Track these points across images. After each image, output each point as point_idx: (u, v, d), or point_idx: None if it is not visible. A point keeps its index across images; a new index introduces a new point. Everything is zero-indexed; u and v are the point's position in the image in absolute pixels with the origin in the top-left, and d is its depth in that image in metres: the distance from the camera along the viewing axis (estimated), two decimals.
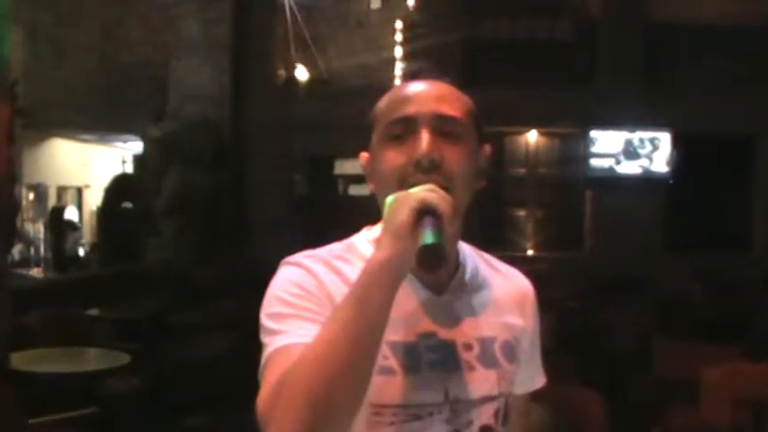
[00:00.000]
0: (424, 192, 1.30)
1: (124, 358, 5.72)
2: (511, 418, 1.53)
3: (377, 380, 1.32)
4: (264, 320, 1.39)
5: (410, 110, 1.43)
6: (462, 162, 1.42)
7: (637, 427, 5.17)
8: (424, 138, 1.40)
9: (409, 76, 1.51)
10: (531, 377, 1.63)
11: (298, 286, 1.40)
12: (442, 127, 1.42)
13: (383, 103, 1.50)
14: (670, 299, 8.74)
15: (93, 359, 6.04)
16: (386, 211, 1.32)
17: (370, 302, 1.25)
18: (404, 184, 1.37)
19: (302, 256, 1.47)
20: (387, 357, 1.38)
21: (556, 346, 5.99)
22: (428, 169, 1.37)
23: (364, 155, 1.52)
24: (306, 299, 1.37)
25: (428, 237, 1.24)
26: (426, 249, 1.24)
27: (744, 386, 4.62)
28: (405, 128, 1.43)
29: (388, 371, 1.38)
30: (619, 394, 5.18)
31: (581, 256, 14.57)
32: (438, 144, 1.40)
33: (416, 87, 1.47)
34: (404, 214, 1.26)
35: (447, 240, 1.29)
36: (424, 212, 1.27)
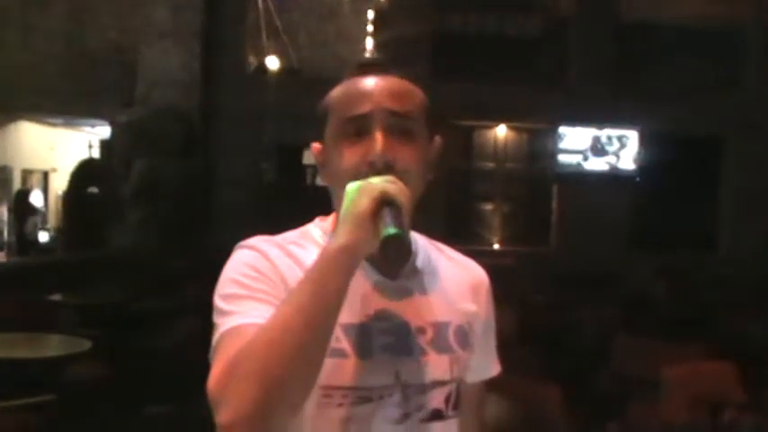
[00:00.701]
0: (384, 183, 1.32)
1: (86, 344, 5.68)
2: (463, 404, 1.55)
3: (328, 362, 1.33)
4: (218, 301, 1.40)
5: (364, 108, 1.45)
6: (415, 160, 1.44)
7: (595, 423, 5.21)
8: (378, 138, 1.42)
9: (360, 69, 1.51)
10: (486, 365, 1.65)
11: (252, 268, 1.41)
12: (396, 125, 1.44)
13: (336, 96, 1.50)
14: (634, 296, 8.81)
15: (54, 345, 5.99)
16: (346, 198, 1.33)
17: (326, 286, 1.27)
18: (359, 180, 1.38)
19: (257, 240, 1.48)
20: (339, 339, 1.39)
21: (519, 339, 6.03)
22: (382, 170, 1.39)
23: (317, 146, 1.53)
24: (260, 280, 1.39)
25: (391, 229, 1.27)
26: (389, 240, 1.27)
27: (703, 385, 4.67)
28: (359, 127, 1.44)
29: (339, 353, 1.39)
30: (579, 389, 5.21)
31: (547, 251, 14.64)
32: (392, 143, 1.42)
33: (369, 83, 1.48)
34: (364, 204, 1.29)
35: (406, 232, 1.31)
36: (384, 203, 1.30)
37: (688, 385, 4.69)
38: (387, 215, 1.29)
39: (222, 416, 1.22)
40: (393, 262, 1.32)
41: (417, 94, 1.51)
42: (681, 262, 11.71)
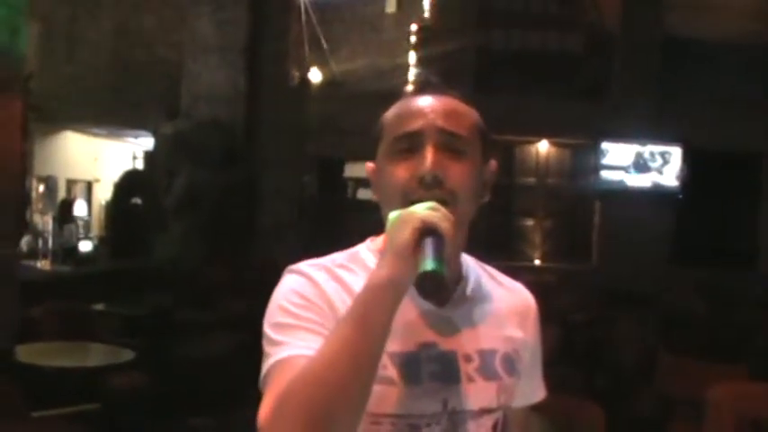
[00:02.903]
0: (426, 211, 1.30)
1: (128, 354, 5.72)
2: (509, 429, 1.54)
3: (375, 389, 1.32)
4: (267, 329, 1.40)
5: (416, 125, 1.44)
6: (466, 178, 1.43)
7: None
8: (429, 154, 1.41)
9: (416, 88, 1.53)
10: (532, 390, 1.64)
11: (300, 296, 1.41)
12: (448, 143, 1.43)
13: (390, 115, 1.50)
14: (675, 314, 8.71)
15: (97, 354, 6.04)
16: (388, 228, 1.32)
17: (371, 321, 1.26)
18: (407, 199, 1.38)
19: (305, 265, 1.47)
20: (386, 367, 1.38)
21: (561, 358, 5.98)
22: (431, 185, 1.38)
23: (370, 165, 1.53)
24: (308, 309, 1.38)
25: (429, 263, 1.24)
26: (426, 276, 1.24)
27: (747, 406, 4.60)
28: (410, 143, 1.44)
29: (387, 380, 1.38)
30: (621, 408, 5.16)
31: (588, 267, 14.55)
32: (442, 160, 1.41)
33: (423, 102, 1.48)
34: (406, 234, 1.27)
35: (448, 262, 1.30)
36: (426, 232, 1.27)
37: (732, 406, 4.62)
38: (427, 246, 1.26)
39: None
40: (429, 296, 1.29)
41: (472, 115, 1.51)
42: (723, 279, 11.59)
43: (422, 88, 1.52)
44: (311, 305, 1.38)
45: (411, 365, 1.41)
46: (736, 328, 7.49)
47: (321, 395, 1.22)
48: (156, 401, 5.47)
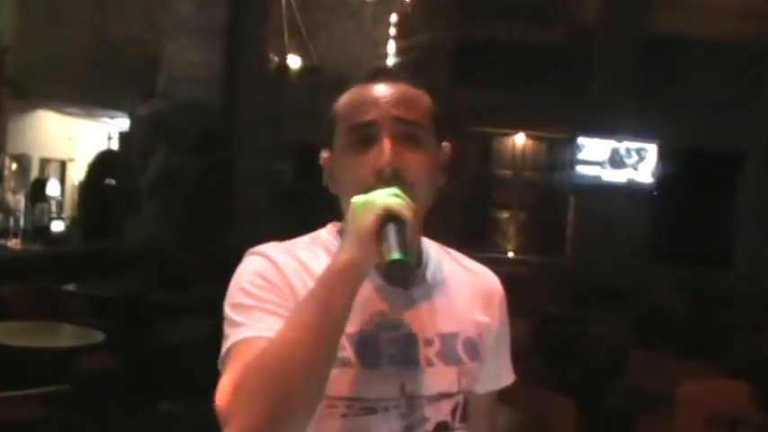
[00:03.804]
0: (389, 198, 1.31)
1: (98, 336, 5.68)
2: (472, 415, 1.53)
3: (333, 371, 1.33)
4: (227, 311, 1.40)
5: (370, 115, 1.43)
6: (424, 167, 1.43)
7: None
8: (386, 146, 1.40)
9: (367, 77, 1.50)
10: (497, 374, 1.63)
11: (261, 277, 1.41)
12: (404, 132, 1.43)
13: (342, 104, 1.49)
14: (650, 310, 8.76)
15: (66, 335, 5.99)
16: (351, 213, 1.32)
17: (332, 303, 1.26)
18: (367, 192, 1.36)
19: (267, 247, 1.48)
20: (344, 348, 1.38)
21: (532, 350, 6.00)
22: (390, 179, 1.38)
23: (325, 155, 1.52)
24: (269, 290, 1.38)
25: (395, 253, 1.25)
26: (393, 265, 1.25)
27: (718, 404, 4.63)
28: (365, 134, 1.43)
29: (344, 362, 1.38)
30: (593, 402, 5.18)
31: (562, 261, 14.62)
32: (400, 151, 1.41)
33: (375, 90, 1.47)
34: (368, 220, 1.28)
35: (412, 249, 1.30)
36: (389, 219, 1.28)
37: (703, 403, 4.65)
38: (390, 234, 1.27)
39: (229, 431, 1.22)
40: (396, 284, 1.30)
41: (425, 100, 1.50)
42: (697, 277, 11.66)
43: (373, 76, 1.49)
44: (272, 287, 1.38)
45: (369, 347, 1.41)
46: (711, 326, 7.54)
47: (281, 376, 1.22)
48: (126, 384, 5.44)
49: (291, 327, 1.26)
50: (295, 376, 1.22)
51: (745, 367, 5.36)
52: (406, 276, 1.27)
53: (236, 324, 1.36)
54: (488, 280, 1.62)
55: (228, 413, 1.23)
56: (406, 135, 1.42)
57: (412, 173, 1.40)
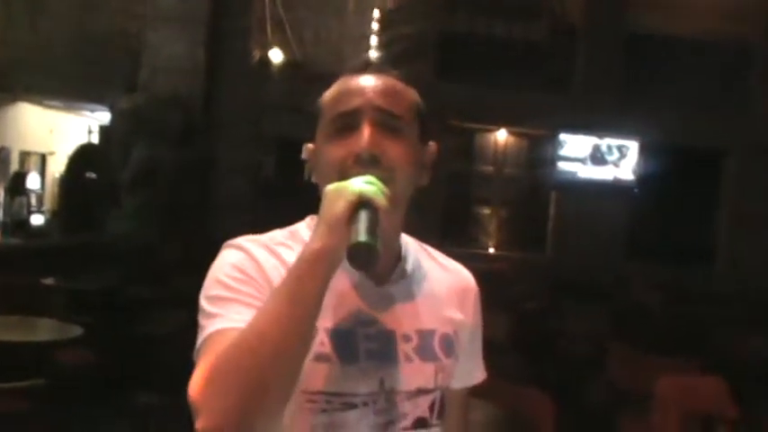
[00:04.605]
0: (361, 184, 1.31)
1: (77, 330, 5.65)
2: (447, 412, 1.54)
3: (311, 366, 1.34)
4: (203, 302, 1.39)
5: (353, 104, 1.44)
6: (403, 156, 1.43)
7: None
8: (365, 132, 1.41)
9: (355, 69, 1.51)
10: (470, 372, 1.64)
11: (238, 269, 1.40)
12: (385, 121, 1.43)
13: (328, 95, 1.50)
14: (629, 307, 8.80)
15: (45, 329, 5.95)
16: (324, 200, 1.32)
17: (303, 292, 1.26)
18: (344, 177, 1.36)
19: (244, 240, 1.48)
20: (323, 344, 1.39)
21: (511, 345, 6.01)
22: (368, 163, 1.38)
23: (309, 146, 1.53)
24: (245, 282, 1.38)
25: (361, 235, 1.24)
26: (357, 247, 1.24)
27: (696, 400, 4.66)
28: (347, 122, 1.43)
29: (323, 357, 1.38)
30: (571, 398, 5.20)
31: (542, 258, 14.65)
32: (379, 138, 1.41)
33: (361, 81, 1.48)
34: (340, 206, 1.28)
35: (382, 236, 1.30)
36: (361, 205, 1.28)
37: (680, 400, 4.67)
38: (361, 219, 1.26)
39: (200, 423, 1.21)
40: (360, 268, 1.29)
41: (410, 95, 1.51)
42: (677, 274, 11.72)
43: (361, 68, 1.50)
44: (249, 279, 1.38)
45: (347, 342, 1.41)
46: (689, 323, 7.58)
47: (253, 366, 1.21)
48: (105, 378, 5.42)
49: (261, 317, 1.26)
50: (265, 367, 1.21)
51: (722, 364, 5.39)
52: (369, 260, 1.25)
53: (211, 315, 1.36)
54: (463, 277, 1.63)
55: (199, 405, 1.22)
56: (388, 125, 1.43)
57: (390, 160, 1.40)
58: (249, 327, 1.26)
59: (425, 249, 1.61)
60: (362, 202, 1.28)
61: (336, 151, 1.42)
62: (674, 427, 4.53)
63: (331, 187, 1.32)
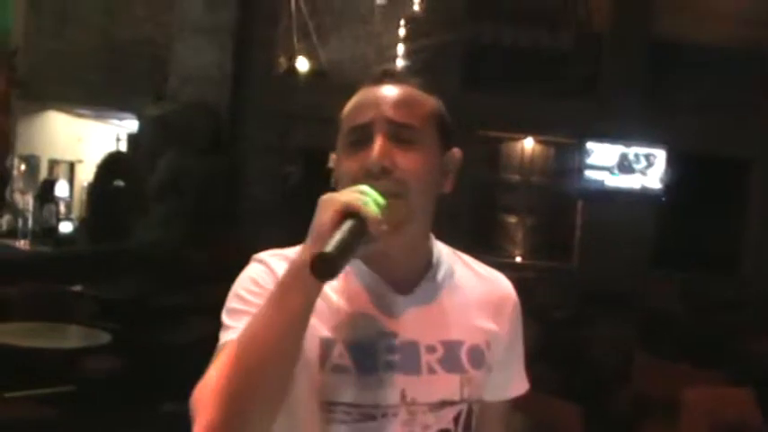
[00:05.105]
0: (351, 194, 1.30)
1: (105, 337, 5.69)
2: (484, 423, 1.53)
3: (330, 377, 1.36)
4: (223, 315, 1.41)
5: (366, 117, 1.43)
6: (417, 168, 1.41)
7: None
8: (376, 145, 1.40)
9: (374, 79, 1.50)
10: (507, 383, 1.61)
11: (255, 283, 1.41)
12: (397, 134, 1.42)
13: (347, 107, 1.49)
14: (655, 316, 8.74)
15: (73, 336, 6.00)
16: (316, 210, 1.30)
17: (288, 303, 1.26)
18: None
19: (268, 254, 1.48)
20: (341, 356, 1.39)
21: (538, 355, 5.98)
22: (378, 176, 1.37)
23: (334, 156, 1.52)
24: (259, 296, 1.37)
25: (327, 245, 1.22)
26: (318, 258, 1.21)
27: (723, 410, 4.62)
28: (361, 135, 1.43)
29: (341, 369, 1.39)
30: (598, 408, 5.17)
31: (569, 266, 14.59)
32: (391, 150, 1.40)
33: (375, 93, 1.47)
34: (327, 216, 1.26)
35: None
36: (348, 215, 1.26)
37: (707, 409, 4.64)
38: (341, 230, 1.24)
39: (194, 430, 1.24)
40: (321, 279, 1.24)
41: (428, 103, 1.49)
42: (704, 283, 11.63)
43: (380, 79, 1.49)
44: (263, 292, 1.36)
45: (367, 354, 1.41)
46: (716, 333, 7.53)
47: (238, 375, 1.24)
48: (132, 385, 5.44)
49: (250, 327, 1.28)
50: (250, 376, 1.23)
51: (750, 374, 5.35)
52: (328, 272, 1.22)
53: (226, 328, 1.38)
54: (500, 287, 1.60)
55: (194, 412, 1.26)
56: (400, 137, 1.42)
57: (402, 171, 1.39)
58: (239, 337, 1.29)
59: (460, 257, 1.60)
60: (350, 213, 1.26)
61: (350, 165, 1.42)
62: None
63: (323, 198, 1.30)
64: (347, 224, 1.24)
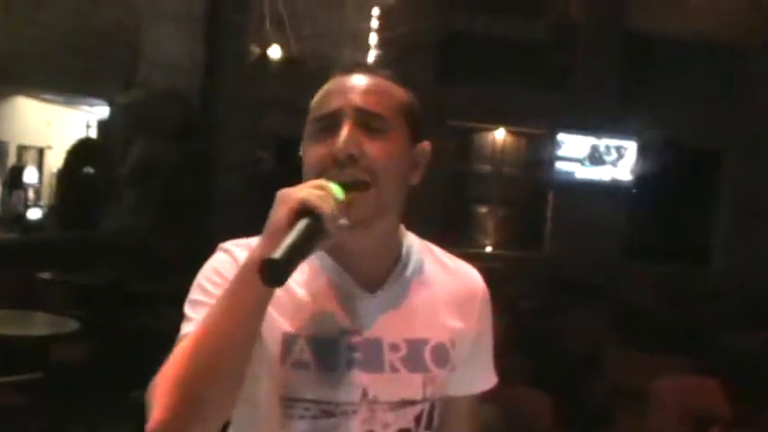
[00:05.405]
0: (307, 190, 1.27)
1: (73, 325, 5.66)
2: (450, 418, 1.53)
3: (290, 373, 1.35)
4: (185, 305, 1.39)
5: (334, 105, 1.41)
6: (384, 157, 1.38)
7: None
8: (344, 132, 1.37)
9: (345, 69, 1.48)
10: (474, 379, 1.60)
11: (218, 274, 1.39)
12: (366, 122, 1.40)
13: (316, 96, 1.47)
14: (626, 306, 8.79)
15: (41, 324, 5.97)
16: (273, 206, 1.28)
17: (240, 300, 1.24)
18: (322, 178, 1.34)
19: (233, 243, 1.46)
20: (303, 351, 1.38)
21: (507, 345, 6.00)
22: (345, 163, 1.35)
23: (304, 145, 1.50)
24: (221, 287, 1.33)
25: (278, 250, 1.18)
26: (264, 264, 1.17)
27: (691, 400, 4.65)
28: (329, 123, 1.40)
29: (302, 365, 1.37)
30: (569, 398, 5.19)
31: (540, 257, 14.64)
32: (359, 138, 1.38)
33: (345, 82, 1.44)
34: (282, 213, 1.24)
35: (309, 250, 1.23)
36: (303, 213, 1.23)
37: (677, 399, 4.67)
38: (294, 232, 1.20)
39: (148, 424, 1.23)
40: (269, 284, 1.20)
41: (399, 94, 1.47)
42: (674, 274, 11.72)
43: (350, 69, 1.47)
44: (227, 284, 1.32)
45: (328, 351, 1.39)
46: (686, 323, 7.58)
47: (187, 370, 1.22)
48: (101, 372, 5.42)
49: (203, 323, 1.26)
50: (199, 371, 1.22)
51: (719, 364, 5.39)
52: (276, 279, 1.18)
53: (186, 319, 1.36)
54: (470, 281, 1.59)
55: (148, 406, 1.24)
56: (369, 125, 1.39)
57: (369, 160, 1.37)
58: (191, 333, 1.27)
59: (431, 251, 1.57)
60: (305, 210, 1.23)
61: (317, 151, 1.39)
62: (671, 426, 4.53)
63: (280, 193, 1.28)
64: (301, 224, 1.21)
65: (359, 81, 1.44)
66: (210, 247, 1.49)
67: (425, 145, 1.50)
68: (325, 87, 1.46)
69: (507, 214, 15.60)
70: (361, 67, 1.49)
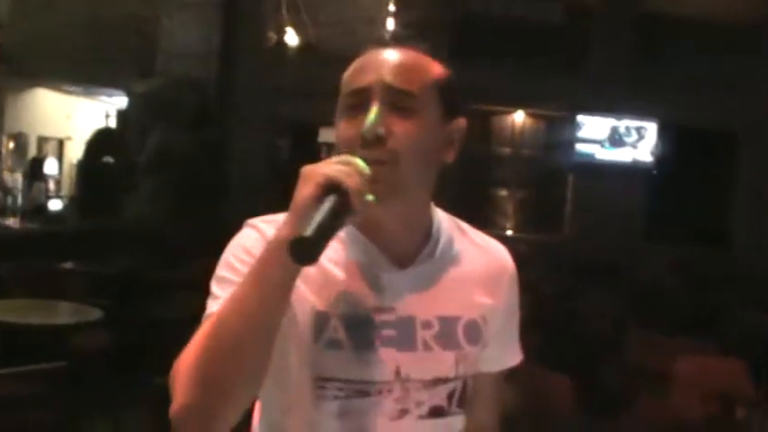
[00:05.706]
0: (333, 166, 1.24)
1: (96, 313, 5.69)
2: (476, 394, 1.52)
3: (323, 352, 1.33)
4: (212, 282, 1.37)
5: (364, 81, 1.38)
6: (412, 137, 1.35)
7: (605, 414, 5.19)
8: (372, 110, 1.35)
9: (379, 43, 1.45)
10: (502, 355, 1.60)
11: (246, 251, 1.37)
12: (395, 100, 1.36)
13: (348, 70, 1.44)
14: (646, 288, 8.77)
15: (64, 313, 6.00)
16: (298, 182, 1.25)
17: (266, 279, 1.22)
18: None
19: (261, 220, 1.44)
20: (336, 330, 1.36)
21: (528, 327, 5.99)
22: (371, 144, 1.32)
23: (322, 130, 1.49)
24: (251, 265, 1.30)
25: (307, 228, 1.16)
26: (297, 242, 1.16)
27: (714, 381, 4.64)
28: (358, 100, 1.38)
29: (335, 344, 1.36)
30: (589, 380, 5.19)
31: (560, 239, 14.61)
32: (388, 117, 1.35)
33: (377, 56, 1.41)
34: (308, 190, 1.21)
35: (339, 226, 1.22)
36: (330, 189, 1.20)
37: (699, 380, 4.66)
38: (321, 208, 1.18)
39: (171, 407, 1.22)
40: (300, 264, 1.19)
41: (430, 70, 1.43)
42: (694, 256, 11.67)
43: (385, 42, 1.45)
44: (254, 261, 1.30)
45: (362, 329, 1.38)
46: (706, 305, 7.56)
47: (211, 352, 1.20)
48: (123, 361, 5.45)
49: (228, 303, 1.24)
50: (223, 353, 1.20)
51: (739, 345, 5.37)
52: (309, 257, 1.16)
53: (213, 296, 1.34)
54: (499, 257, 1.58)
55: (172, 385, 1.23)
56: (398, 104, 1.36)
57: (397, 141, 1.34)
58: (217, 312, 1.25)
59: (459, 227, 1.56)
60: (332, 186, 1.20)
61: (347, 130, 1.37)
62: (693, 407, 4.52)
63: (305, 169, 1.24)
64: (329, 201, 1.19)
65: (391, 56, 1.41)
66: (228, 234, 1.49)
67: (461, 121, 1.47)
68: (358, 60, 1.43)
69: (527, 197, 15.57)
70: (397, 40, 1.46)
